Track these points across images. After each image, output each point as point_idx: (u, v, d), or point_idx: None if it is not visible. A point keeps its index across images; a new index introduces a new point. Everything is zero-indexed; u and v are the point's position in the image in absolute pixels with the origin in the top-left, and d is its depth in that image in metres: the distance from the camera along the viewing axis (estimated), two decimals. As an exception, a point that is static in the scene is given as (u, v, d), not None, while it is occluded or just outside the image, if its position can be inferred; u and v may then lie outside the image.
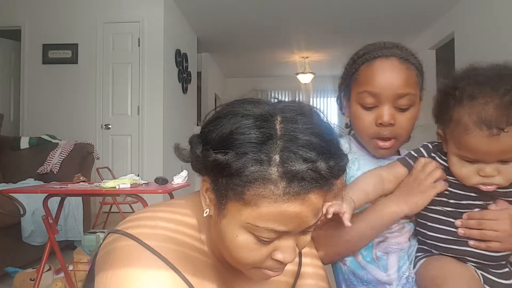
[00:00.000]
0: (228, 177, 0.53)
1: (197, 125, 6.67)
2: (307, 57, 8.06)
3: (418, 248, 0.89)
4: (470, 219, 0.78)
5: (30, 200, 2.39)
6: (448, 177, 0.81)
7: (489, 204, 0.78)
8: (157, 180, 1.99)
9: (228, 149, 0.52)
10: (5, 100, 5.02)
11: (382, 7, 5.33)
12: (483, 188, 0.74)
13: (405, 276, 0.87)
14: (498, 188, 0.75)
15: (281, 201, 0.52)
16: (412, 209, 0.81)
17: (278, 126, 0.54)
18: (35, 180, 2.97)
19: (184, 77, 5.67)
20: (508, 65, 0.74)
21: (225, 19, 5.86)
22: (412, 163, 0.85)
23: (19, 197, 2.30)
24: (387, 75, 0.83)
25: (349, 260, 0.88)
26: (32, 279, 1.96)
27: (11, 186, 2.74)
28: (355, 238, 0.82)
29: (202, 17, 5.77)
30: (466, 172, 0.74)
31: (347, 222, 0.71)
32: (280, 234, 0.55)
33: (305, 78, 8.37)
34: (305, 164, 0.51)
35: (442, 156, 0.84)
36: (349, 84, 0.92)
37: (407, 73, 0.84)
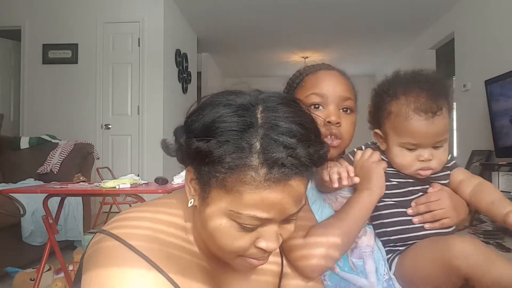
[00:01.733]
0: (210, 165, 0.54)
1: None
2: (307, 57, 8.06)
3: (386, 250, 0.93)
4: (418, 205, 0.89)
5: (30, 200, 2.39)
6: (388, 169, 0.90)
7: (426, 188, 0.90)
8: (157, 180, 1.98)
9: (210, 137, 0.53)
10: (5, 100, 5.02)
11: (382, 7, 5.33)
12: (422, 173, 0.87)
13: (385, 279, 0.89)
14: (432, 174, 0.89)
15: (262, 188, 0.52)
16: (379, 190, 0.87)
17: (259, 115, 0.55)
18: (35, 180, 2.96)
19: (184, 77, 5.67)
20: (422, 69, 0.91)
21: (225, 19, 5.85)
22: (353, 158, 0.95)
23: (19, 197, 2.30)
24: (332, 81, 0.95)
25: (327, 275, 0.88)
26: (32, 279, 1.95)
27: (11, 186, 2.73)
28: (349, 231, 0.83)
29: (202, 17, 5.77)
30: (408, 160, 0.87)
31: (356, 179, 0.80)
32: (263, 222, 0.56)
33: (305, 78, 8.36)
34: (285, 150, 0.52)
35: (379, 151, 0.94)
36: (293, 94, 0.99)
37: (347, 82, 0.97)
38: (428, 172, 0.87)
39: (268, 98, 0.58)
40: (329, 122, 0.90)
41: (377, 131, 0.93)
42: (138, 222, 0.61)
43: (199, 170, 0.57)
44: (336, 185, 0.79)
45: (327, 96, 0.92)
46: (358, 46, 7.31)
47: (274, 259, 0.75)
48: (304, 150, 0.53)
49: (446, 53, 5.89)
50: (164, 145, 0.66)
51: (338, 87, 0.93)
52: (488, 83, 3.83)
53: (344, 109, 0.94)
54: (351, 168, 0.81)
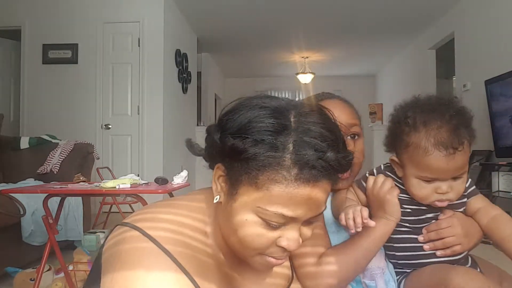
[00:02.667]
0: (244, 162, 0.56)
1: (197, 125, 6.66)
2: (307, 57, 8.06)
3: (395, 271, 0.93)
4: (428, 232, 0.87)
5: (30, 200, 2.38)
6: (400, 195, 0.87)
7: (438, 214, 0.88)
8: (157, 180, 1.98)
9: (246, 136, 0.56)
10: (5, 100, 5.02)
11: (382, 7, 5.33)
12: (439, 204, 0.84)
13: None
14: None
15: (292, 187, 0.55)
16: (395, 219, 0.84)
17: (292, 119, 0.58)
18: (35, 180, 2.96)
19: (184, 77, 5.67)
20: (442, 96, 0.86)
21: (225, 19, 5.86)
22: (365, 184, 0.91)
23: (19, 197, 2.30)
24: (336, 109, 0.92)
25: None
26: (32, 279, 1.95)
27: (11, 186, 2.73)
28: (361, 258, 0.83)
29: (202, 17, 5.77)
30: (425, 192, 0.84)
31: (371, 223, 0.77)
32: (288, 220, 0.58)
33: (305, 78, 8.36)
34: (316, 153, 0.55)
35: (392, 175, 0.91)
36: None
37: (351, 109, 0.97)
38: (445, 203, 0.85)
39: (299, 104, 0.61)
40: None
41: (394, 158, 0.90)
42: (166, 224, 0.60)
43: (231, 167, 0.59)
44: (352, 231, 0.78)
45: None
46: (358, 46, 7.31)
47: (288, 263, 0.77)
48: (333, 154, 0.56)
49: (446, 53, 5.90)
50: (189, 144, 0.69)
51: (343, 115, 0.91)
52: (488, 83, 3.83)
53: (352, 135, 0.94)
54: (365, 213, 0.77)
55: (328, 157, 0.56)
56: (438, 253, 0.86)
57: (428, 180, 0.83)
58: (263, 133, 0.56)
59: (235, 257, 0.66)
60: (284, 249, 0.60)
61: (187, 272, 0.56)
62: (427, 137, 0.79)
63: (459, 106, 0.84)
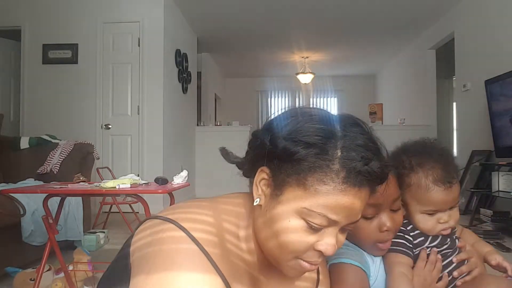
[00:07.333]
0: (295, 163, 0.60)
1: (197, 125, 6.66)
2: (307, 57, 8.06)
3: None
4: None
5: (30, 200, 2.38)
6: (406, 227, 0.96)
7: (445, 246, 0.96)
8: (157, 180, 1.98)
9: (298, 139, 0.60)
10: (5, 100, 5.02)
11: (382, 8, 5.34)
12: (444, 233, 0.95)
13: None
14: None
15: (338, 190, 0.58)
16: None
17: (339, 128, 0.62)
18: (35, 180, 2.96)
19: (184, 77, 5.67)
20: (424, 140, 0.99)
21: (225, 19, 5.86)
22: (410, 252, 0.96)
23: (19, 197, 2.30)
24: None
25: None
26: (32, 279, 1.95)
27: (11, 186, 2.73)
28: None
29: (202, 17, 5.78)
30: (431, 224, 0.95)
31: None
32: (329, 224, 0.60)
33: (305, 78, 8.36)
34: (362, 160, 0.59)
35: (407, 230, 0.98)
36: None
37: (393, 180, 0.91)
38: (449, 231, 0.95)
39: (343, 116, 0.66)
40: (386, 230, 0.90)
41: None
42: (206, 226, 0.60)
43: (279, 168, 0.62)
44: None
45: None
46: (358, 46, 7.31)
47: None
48: (377, 163, 0.60)
49: (446, 53, 5.90)
50: (224, 152, 0.74)
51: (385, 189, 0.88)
52: (488, 83, 3.83)
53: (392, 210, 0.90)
54: None
55: (373, 165, 0.59)
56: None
57: (431, 213, 0.93)
58: (314, 138, 0.59)
59: (265, 260, 0.68)
60: (320, 254, 0.62)
61: (223, 275, 0.57)
62: (426, 176, 0.91)
63: (441, 147, 0.97)
